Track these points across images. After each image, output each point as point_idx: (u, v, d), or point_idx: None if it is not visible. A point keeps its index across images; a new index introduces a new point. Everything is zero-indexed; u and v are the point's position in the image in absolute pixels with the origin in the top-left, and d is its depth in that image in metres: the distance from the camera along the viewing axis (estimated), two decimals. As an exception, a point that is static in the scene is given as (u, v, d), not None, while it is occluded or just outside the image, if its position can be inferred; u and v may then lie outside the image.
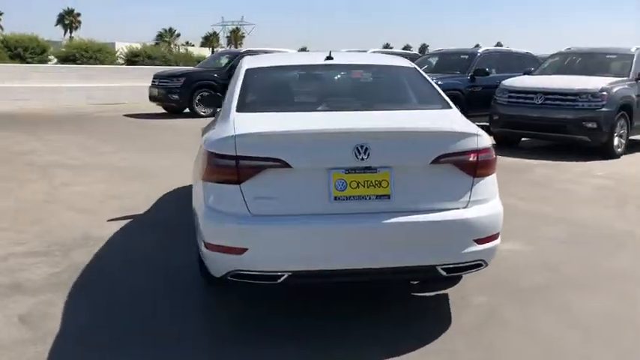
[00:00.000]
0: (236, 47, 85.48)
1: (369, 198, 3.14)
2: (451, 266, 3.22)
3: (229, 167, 3.14)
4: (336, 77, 4.33)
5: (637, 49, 10.53)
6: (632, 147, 10.17)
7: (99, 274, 4.34)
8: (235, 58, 15.99)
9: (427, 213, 3.15)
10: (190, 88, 15.32)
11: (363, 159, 3.10)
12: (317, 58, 4.33)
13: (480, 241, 3.24)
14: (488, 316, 3.63)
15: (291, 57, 5.07)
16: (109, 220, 5.68)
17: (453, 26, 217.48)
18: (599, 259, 4.67)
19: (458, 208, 3.21)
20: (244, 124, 3.31)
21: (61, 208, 6.14)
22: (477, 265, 3.30)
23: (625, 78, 9.89)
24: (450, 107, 3.78)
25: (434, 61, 13.83)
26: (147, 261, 4.60)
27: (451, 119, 3.56)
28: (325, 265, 3.12)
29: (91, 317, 3.61)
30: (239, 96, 3.75)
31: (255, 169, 3.11)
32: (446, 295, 3.88)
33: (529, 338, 3.35)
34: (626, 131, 9.70)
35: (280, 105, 3.83)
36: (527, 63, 13.13)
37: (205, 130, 4.90)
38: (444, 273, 3.24)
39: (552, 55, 11.84)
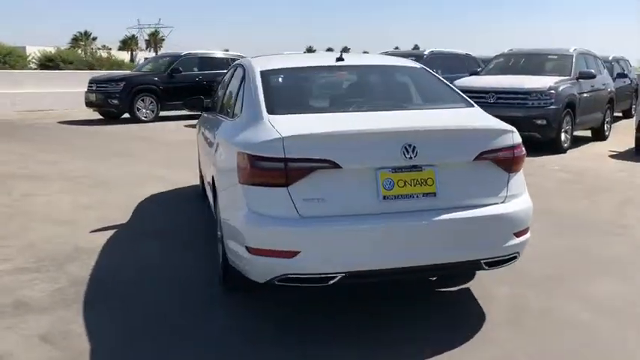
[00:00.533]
0: (156, 51, 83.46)
1: (416, 196, 3.16)
2: (493, 260, 3.30)
3: (277, 170, 3.08)
4: (355, 78, 4.32)
5: (574, 49, 11.17)
6: (575, 142, 10.77)
7: (105, 288, 4.12)
8: (176, 62, 15.64)
9: (471, 209, 3.22)
10: (131, 93, 14.83)
11: (411, 157, 3.12)
12: (328, 59, 4.31)
13: (517, 234, 3.34)
14: (518, 306, 3.74)
15: (301, 58, 5.01)
16: (92, 232, 5.41)
17: (367, 27, 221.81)
18: (593, 248, 4.92)
19: (497, 203, 3.30)
20: (287, 125, 3.25)
21: (34, 221, 5.78)
22: (513, 258, 3.39)
23: (568, 77, 10.44)
24: (473, 106, 3.87)
25: None
26: (152, 273, 4.41)
27: (484, 117, 3.65)
28: (377, 264, 3.12)
29: (119, 334, 3.43)
30: (265, 98, 3.67)
31: (304, 171, 3.06)
32: (468, 289, 3.96)
33: (569, 326, 3.46)
34: (570, 127, 10.26)
35: (311, 106, 3.80)
36: (468, 64, 13.63)
37: (206, 134, 4.79)
38: (486, 267, 3.31)
39: (497, 56, 12.33)
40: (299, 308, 3.72)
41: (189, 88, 15.54)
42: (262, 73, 4.02)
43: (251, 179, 3.18)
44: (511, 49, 12.31)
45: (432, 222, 3.13)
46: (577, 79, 10.51)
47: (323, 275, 3.10)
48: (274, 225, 3.09)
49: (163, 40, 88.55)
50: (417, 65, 4.48)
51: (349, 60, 4.29)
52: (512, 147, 3.36)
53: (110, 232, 5.39)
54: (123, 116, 15.57)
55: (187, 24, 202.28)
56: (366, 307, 3.75)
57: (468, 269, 3.35)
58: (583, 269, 4.41)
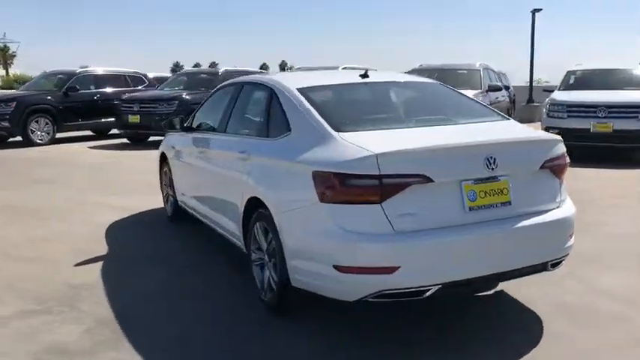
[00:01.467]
0: (6, 67, 77.11)
1: (496, 206, 3.32)
2: (557, 260, 3.55)
3: (370, 187, 3.09)
4: (392, 94, 4.40)
5: (480, 64, 12.08)
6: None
7: (140, 322, 3.82)
8: (71, 80, 14.68)
9: (539, 215, 3.44)
10: (24, 114, 13.67)
11: (492, 169, 3.28)
12: (353, 77, 4.37)
13: (571, 236, 3.62)
14: (553, 303, 4.01)
15: (332, 75, 4.98)
16: (76, 265, 4.99)
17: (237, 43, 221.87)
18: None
19: (555, 208, 3.56)
20: (371, 142, 3.26)
21: (-3, 259, 5.20)
22: (565, 257, 3.66)
23: (479, 90, 11.25)
24: (508, 118, 4.14)
25: (184, 79, 15.49)
26: (180, 300, 4.18)
27: (531, 129, 3.91)
28: (469, 273, 3.23)
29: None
30: (322, 116, 3.65)
31: (399, 187, 3.10)
32: (499, 293, 4.18)
33: (615, 319, 3.78)
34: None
35: (369, 122, 3.81)
36: None
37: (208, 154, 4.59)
38: (550, 268, 3.55)
39: (410, 72, 12.94)
40: (372, 333, 3.73)
41: (88, 107, 14.73)
42: (300, 90, 3.98)
43: (340, 197, 3.16)
44: (421, 65, 13.02)
45: (511, 229, 3.31)
46: (487, 91, 11.33)
47: (420, 288, 3.14)
48: (372, 242, 3.09)
49: (14, 56, 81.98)
50: (436, 81, 4.69)
51: (374, 77, 4.38)
52: (564, 155, 3.65)
53: (98, 264, 4.99)
54: (11, 139, 14.33)
55: (34, 39, 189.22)
56: (398, 331, 3.84)
57: (537, 271, 3.56)
58: (583, 258, 4.82)
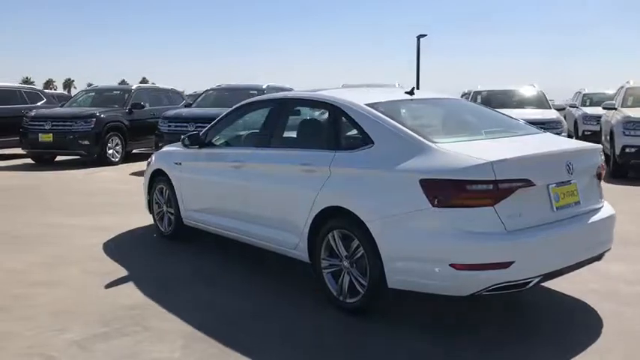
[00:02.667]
0: None
1: (571, 205, 3.83)
2: (607, 251, 4.12)
3: (486, 191, 3.45)
4: (443, 109, 4.76)
5: (267, 85, 13.02)
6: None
7: (238, 336, 3.80)
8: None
9: (598, 212, 4.01)
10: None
11: (571, 173, 3.79)
12: (399, 93, 4.73)
13: (612, 229, 4.23)
14: (604, 293, 4.49)
15: (380, 92, 5.18)
16: (107, 287, 4.80)
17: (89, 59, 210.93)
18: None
19: (603, 206, 4.15)
20: (473, 152, 3.62)
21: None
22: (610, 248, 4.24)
23: None
24: (545, 131, 4.71)
25: (92, 95, 15.43)
26: (247, 317, 4.22)
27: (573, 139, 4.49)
28: (561, 264, 3.69)
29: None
30: (407, 128, 3.95)
31: (509, 191, 3.49)
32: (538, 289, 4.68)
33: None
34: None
35: (450, 134, 4.13)
36: (174, 97, 15.71)
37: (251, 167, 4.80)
38: (601, 258, 4.11)
39: (206, 91, 13.87)
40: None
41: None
42: (370, 106, 4.25)
43: (457, 202, 3.48)
44: (219, 85, 13.93)
45: (585, 225, 3.83)
46: None
47: (527, 280, 3.54)
48: (490, 240, 3.44)
49: None
50: (459, 98, 5.17)
51: (418, 94, 4.76)
52: (603, 162, 4.27)
53: (130, 284, 4.83)
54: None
55: None
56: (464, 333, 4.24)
57: (595, 261, 4.06)
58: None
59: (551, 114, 11.93)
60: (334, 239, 4.14)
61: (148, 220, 6.74)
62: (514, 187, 3.51)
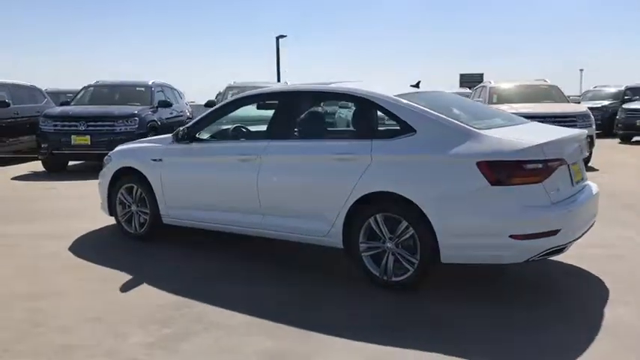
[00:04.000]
0: None
1: (580, 181, 4.49)
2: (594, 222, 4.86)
3: (538, 170, 3.96)
4: (454, 100, 5.16)
5: (153, 82, 13.18)
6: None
7: (315, 326, 3.86)
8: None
9: (593, 187, 4.72)
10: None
11: (582, 154, 4.45)
12: (408, 87, 5.08)
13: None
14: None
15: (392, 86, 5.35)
16: (125, 290, 4.55)
17: None
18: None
19: (589, 182, 4.90)
20: (517, 136, 4.12)
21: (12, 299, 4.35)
22: None
23: (149, 106, 12.32)
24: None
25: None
26: (295, 304, 4.31)
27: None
28: (582, 231, 4.31)
29: None
30: (456, 118, 4.37)
31: (553, 168, 4.04)
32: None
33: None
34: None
35: (481, 121, 4.53)
36: (36, 95, 14.63)
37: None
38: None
39: (85, 87, 13.27)
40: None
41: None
42: (401, 97, 4.57)
43: (513, 180, 3.93)
44: (97, 81, 13.53)
45: (592, 197, 4.51)
46: (157, 107, 12.43)
47: (565, 245, 4.12)
48: (545, 212, 3.96)
49: None
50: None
51: (421, 87, 5.17)
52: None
53: (145, 285, 4.62)
54: None
55: None
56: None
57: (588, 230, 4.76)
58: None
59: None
60: (377, 223, 4.38)
61: (85, 224, 6.49)
62: (555, 165, 4.07)
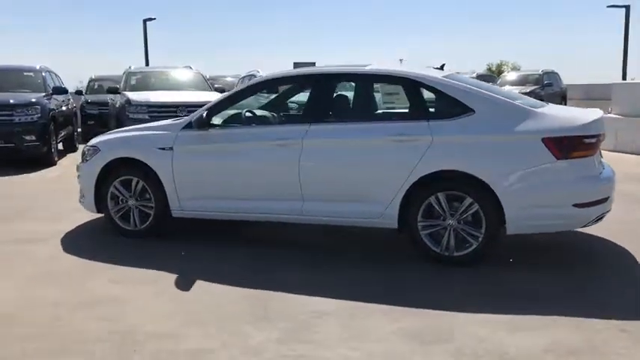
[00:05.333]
0: None
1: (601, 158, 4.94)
2: None
3: (592, 144, 4.38)
4: (476, 82, 5.36)
5: (40, 66, 11.74)
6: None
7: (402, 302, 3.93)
8: None
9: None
10: None
11: None
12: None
13: None
14: None
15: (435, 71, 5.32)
16: (183, 289, 4.23)
17: None
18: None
19: None
20: (568, 113, 4.54)
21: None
22: None
23: (43, 93, 10.77)
24: None
25: None
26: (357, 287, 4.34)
27: None
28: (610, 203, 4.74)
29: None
30: (511, 99, 4.66)
31: (601, 142, 4.48)
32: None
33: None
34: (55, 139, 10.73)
35: (526, 101, 4.81)
36: None
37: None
38: None
39: None
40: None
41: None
42: (448, 78, 4.75)
43: (576, 154, 4.31)
44: None
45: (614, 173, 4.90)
46: (51, 94, 10.99)
47: (607, 213, 4.59)
48: (600, 182, 4.40)
49: None
50: None
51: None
52: None
53: (197, 286, 4.33)
54: None
55: None
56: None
57: None
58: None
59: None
60: (438, 201, 4.53)
61: (54, 225, 5.93)
62: (602, 139, 4.52)
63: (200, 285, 4.27)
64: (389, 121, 4.89)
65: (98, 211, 5.62)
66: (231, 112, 5.41)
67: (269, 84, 5.42)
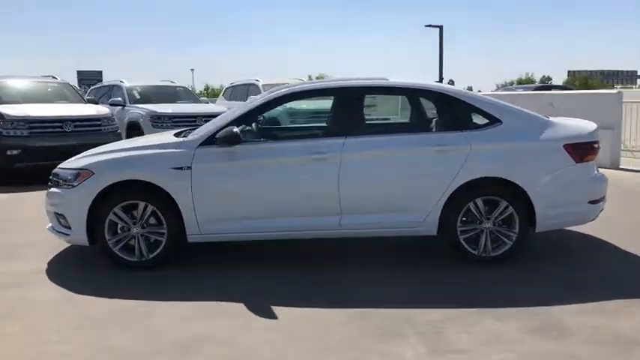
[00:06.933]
0: None
1: None
2: None
3: (597, 148, 5.04)
4: None
5: None
6: None
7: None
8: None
9: None
10: None
11: None
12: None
13: None
14: None
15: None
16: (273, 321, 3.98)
17: None
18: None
19: None
20: (573, 122, 5.13)
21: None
22: None
23: None
24: None
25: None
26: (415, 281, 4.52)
27: None
28: None
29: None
30: (530, 111, 5.09)
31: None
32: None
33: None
34: None
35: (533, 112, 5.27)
36: None
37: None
38: None
39: None
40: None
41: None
42: (470, 91, 5.09)
43: (589, 157, 4.93)
44: None
45: None
46: None
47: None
48: (603, 182, 5.06)
49: None
50: None
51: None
52: None
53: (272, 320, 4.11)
54: None
55: None
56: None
57: None
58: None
59: (103, 110, 10.92)
60: (476, 206, 4.86)
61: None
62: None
63: (282, 310, 4.03)
64: (424, 132, 5.06)
65: (90, 244, 4.91)
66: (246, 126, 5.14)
67: (296, 96, 5.24)
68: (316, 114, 5.78)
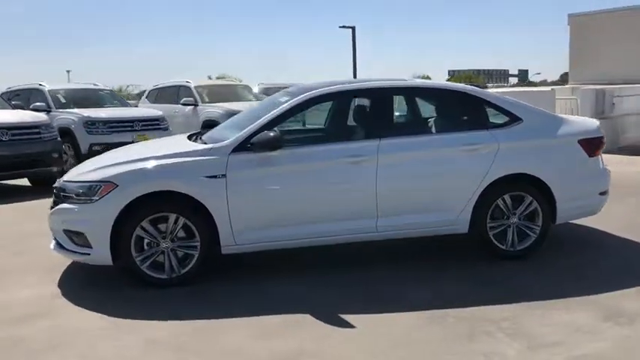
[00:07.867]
0: None
1: None
2: None
3: (604, 144, 5.39)
4: None
5: None
6: None
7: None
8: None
9: None
10: None
11: None
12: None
13: None
14: None
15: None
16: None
17: None
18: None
19: None
20: (581, 119, 5.40)
21: None
22: None
23: None
24: None
25: None
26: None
27: None
28: None
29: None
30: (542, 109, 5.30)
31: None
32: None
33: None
34: None
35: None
36: None
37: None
38: None
39: None
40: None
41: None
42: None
43: (598, 152, 5.25)
44: None
45: None
46: None
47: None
48: (609, 174, 5.41)
49: None
50: None
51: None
52: None
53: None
54: None
55: None
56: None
57: None
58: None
59: (41, 117, 9.97)
60: (504, 202, 5.01)
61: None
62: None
63: (351, 318, 3.91)
64: (453, 131, 5.11)
65: (113, 263, 4.51)
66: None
67: (330, 97, 5.11)
68: (328, 115, 5.66)
